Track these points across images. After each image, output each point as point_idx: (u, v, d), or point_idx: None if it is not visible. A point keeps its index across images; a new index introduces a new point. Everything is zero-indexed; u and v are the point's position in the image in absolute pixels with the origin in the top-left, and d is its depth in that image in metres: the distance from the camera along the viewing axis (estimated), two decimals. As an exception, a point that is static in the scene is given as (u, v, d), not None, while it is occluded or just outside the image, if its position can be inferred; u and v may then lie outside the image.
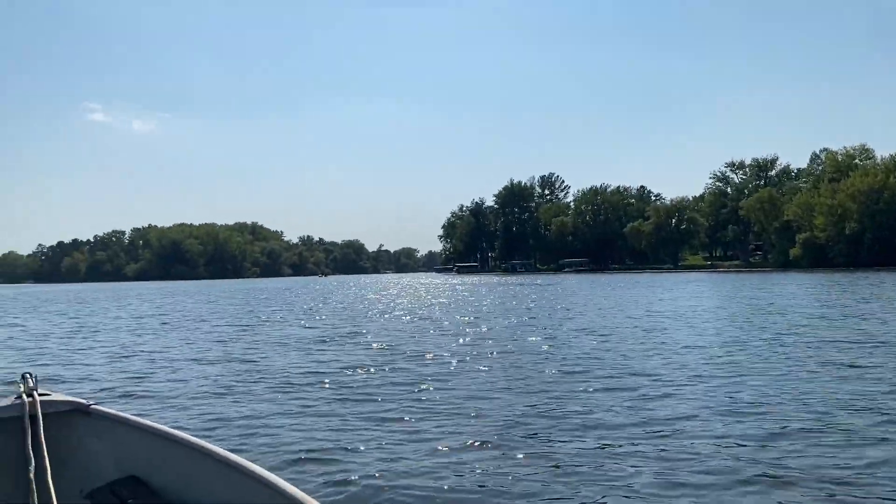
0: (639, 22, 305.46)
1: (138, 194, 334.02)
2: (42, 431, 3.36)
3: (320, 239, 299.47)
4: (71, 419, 3.58)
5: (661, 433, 6.72)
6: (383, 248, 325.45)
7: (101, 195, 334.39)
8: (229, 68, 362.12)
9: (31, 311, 35.33)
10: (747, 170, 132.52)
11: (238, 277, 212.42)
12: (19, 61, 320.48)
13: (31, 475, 3.19)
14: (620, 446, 6.31)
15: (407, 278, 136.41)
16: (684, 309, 24.25)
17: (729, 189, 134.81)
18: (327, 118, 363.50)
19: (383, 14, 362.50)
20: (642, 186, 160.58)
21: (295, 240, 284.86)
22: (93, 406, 3.61)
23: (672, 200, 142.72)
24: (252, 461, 3.13)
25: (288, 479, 2.95)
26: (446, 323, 20.37)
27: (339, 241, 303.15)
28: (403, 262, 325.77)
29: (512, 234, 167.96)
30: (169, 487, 3.41)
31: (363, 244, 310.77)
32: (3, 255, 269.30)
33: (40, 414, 3.41)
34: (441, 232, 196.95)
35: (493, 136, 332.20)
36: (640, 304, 28.03)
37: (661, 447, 6.22)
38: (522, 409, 7.99)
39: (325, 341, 16.00)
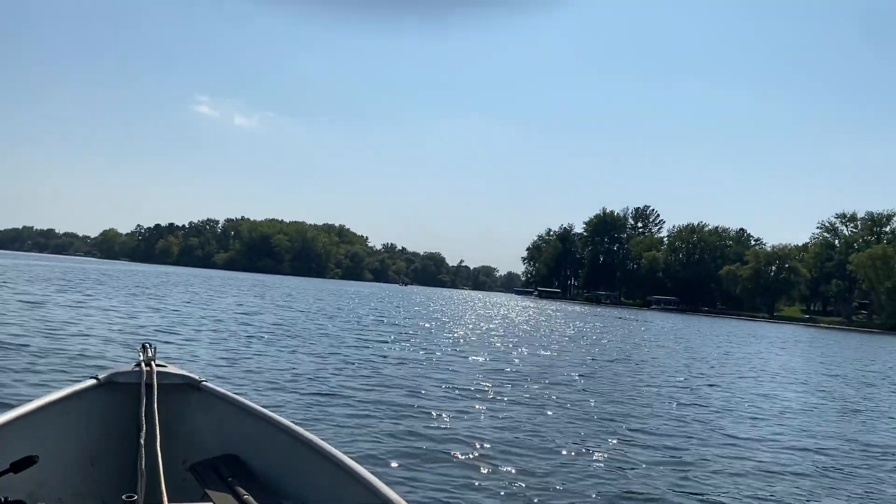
0: (751, 62, 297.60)
1: (234, 186, 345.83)
2: (156, 401, 3.45)
3: (403, 248, 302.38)
4: (182, 392, 3.69)
5: None
6: (463, 264, 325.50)
7: (200, 184, 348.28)
8: (334, 74, 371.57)
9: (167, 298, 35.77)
10: (859, 223, 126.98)
11: (320, 277, 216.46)
12: (146, 49, 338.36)
13: (142, 440, 3.29)
14: None
15: (494, 297, 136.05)
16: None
17: (836, 241, 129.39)
18: (422, 131, 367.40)
19: (487, 37, 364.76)
20: (742, 229, 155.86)
21: (378, 246, 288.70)
22: (203, 383, 3.70)
23: (773, 247, 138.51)
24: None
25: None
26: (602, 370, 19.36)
27: (420, 252, 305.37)
28: (482, 279, 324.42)
29: (599, 263, 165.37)
30: (266, 470, 3.49)
31: (444, 257, 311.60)
32: (104, 231, 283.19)
33: (156, 384, 3.51)
34: (525, 254, 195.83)
35: (586, 163, 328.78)
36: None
37: None
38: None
39: (515, 383, 14.02)
